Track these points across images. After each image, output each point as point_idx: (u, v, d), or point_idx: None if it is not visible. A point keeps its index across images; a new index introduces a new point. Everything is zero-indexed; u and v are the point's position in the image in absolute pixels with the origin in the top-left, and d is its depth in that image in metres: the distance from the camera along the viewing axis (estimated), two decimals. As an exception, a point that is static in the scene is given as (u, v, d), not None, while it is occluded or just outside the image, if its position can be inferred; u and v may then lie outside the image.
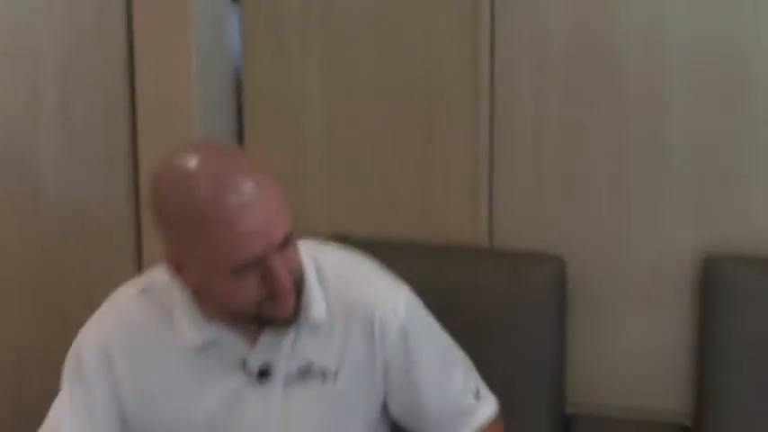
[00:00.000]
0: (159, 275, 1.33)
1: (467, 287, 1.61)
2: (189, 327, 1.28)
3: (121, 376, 1.30)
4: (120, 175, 1.90)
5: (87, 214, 1.81)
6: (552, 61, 1.83)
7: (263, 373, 1.29)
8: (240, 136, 2.03)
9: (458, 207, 1.92)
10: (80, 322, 1.76)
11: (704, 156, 1.78)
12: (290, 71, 1.99)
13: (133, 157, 1.93)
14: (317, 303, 1.30)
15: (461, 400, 1.40)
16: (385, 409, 1.40)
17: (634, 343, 1.85)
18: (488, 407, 1.43)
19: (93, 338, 1.31)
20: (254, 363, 1.29)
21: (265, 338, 1.28)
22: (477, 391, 1.42)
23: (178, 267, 1.21)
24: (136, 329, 1.31)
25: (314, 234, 1.43)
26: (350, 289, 1.34)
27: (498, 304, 1.73)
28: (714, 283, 1.71)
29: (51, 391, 1.73)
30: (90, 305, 1.79)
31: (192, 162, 1.16)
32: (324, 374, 1.31)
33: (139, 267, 1.95)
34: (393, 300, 1.35)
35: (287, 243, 1.18)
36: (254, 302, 1.19)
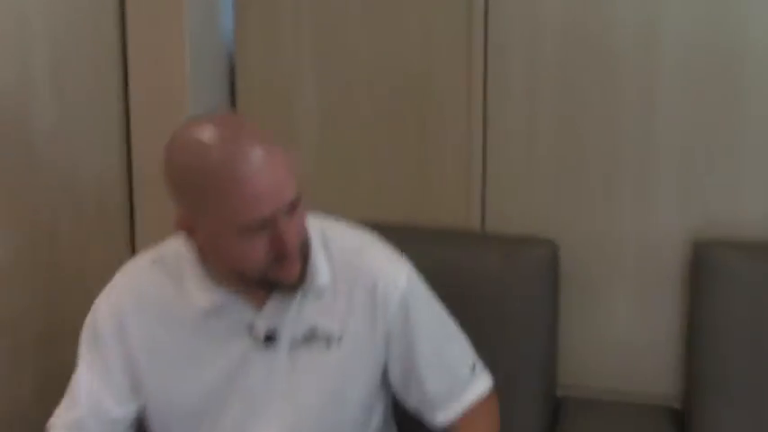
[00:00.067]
0: (169, 247, 1.39)
1: (459, 270, 1.62)
2: (198, 292, 1.33)
3: (134, 342, 1.35)
4: (113, 157, 1.90)
5: (80, 194, 1.81)
6: (545, 44, 1.84)
7: (269, 338, 1.34)
8: (233, 120, 2.03)
9: (450, 192, 1.93)
10: (74, 302, 1.78)
11: (693, 142, 1.80)
12: (284, 56, 1.99)
13: (126, 141, 1.93)
14: (321, 270, 1.35)
15: (458, 374, 1.44)
16: (385, 380, 1.44)
17: (624, 326, 1.87)
18: (484, 382, 1.47)
19: (107, 306, 1.37)
20: (261, 327, 1.34)
21: (272, 304, 1.34)
22: (474, 367, 1.46)
23: (190, 231, 1.27)
24: (147, 296, 1.36)
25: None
26: (354, 259, 1.39)
27: (490, 287, 1.73)
28: (703, 267, 1.73)
29: (48, 375, 1.74)
30: (83, 284, 1.80)
31: (205, 130, 1.22)
32: (328, 340, 1.36)
33: (132, 246, 1.95)
34: (395, 272, 1.41)
35: (294, 208, 1.23)
36: (262, 265, 1.24)
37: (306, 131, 1.99)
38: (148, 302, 1.36)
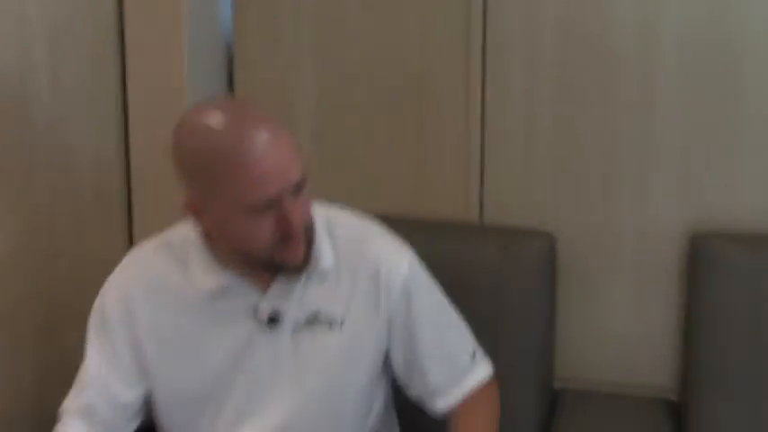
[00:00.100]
0: (175, 233, 1.42)
1: (457, 263, 1.62)
2: (203, 275, 1.36)
3: (140, 325, 1.37)
4: (111, 145, 1.90)
5: (78, 181, 1.81)
6: (544, 39, 1.84)
7: (273, 319, 1.36)
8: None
9: (449, 184, 1.93)
10: (71, 289, 1.78)
11: (691, 136, 1.80)
12: (282, 47, 1.98)
13: (124, 131, 1.92)
14: (325, 254, 1.38)
15: (459, 360, 1.46)
16: (386, 367, 1.47)
17: (622, 319, 1.88)
18: (484, 369, 1.49)
19: (115, 290, 1.40)
20: (265, 309, 1.36)
21: (276, 287, 1.36)
22: (474, 354, 1.48)
23: (197, 213, 1.30)
24: (154, 279, 1.39)
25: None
26: (358, 245, 1.42)
27: (488, 280, 1.74)
28: (700, 259, 1.73)
29: (47, 366, 1.74)
30: (81, 271, 1.81)
31: (212, 115, 1.26)
32: (330, 323, 1.38)
33: (130, 233, 1.95)
34: (398, 259, 1.44)
35: (300, 189, 1.26)
36: (268, 245, 1.26)
37: (304, 123, 1.99)
38: (155, 286, 1.39)
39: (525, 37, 1.85)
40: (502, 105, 1.88)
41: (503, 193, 1.91)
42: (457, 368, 1.46)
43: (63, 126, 1.76)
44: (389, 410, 1.56)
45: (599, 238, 1.86)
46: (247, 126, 1.23)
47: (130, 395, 1.39)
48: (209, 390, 1.38)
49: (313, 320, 1.38)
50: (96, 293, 1.72)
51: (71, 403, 1.39)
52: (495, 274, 1.75)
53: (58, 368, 1.76)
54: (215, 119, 1.25)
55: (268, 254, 1.28)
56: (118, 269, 1.43)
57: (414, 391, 1.47)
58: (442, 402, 1.45)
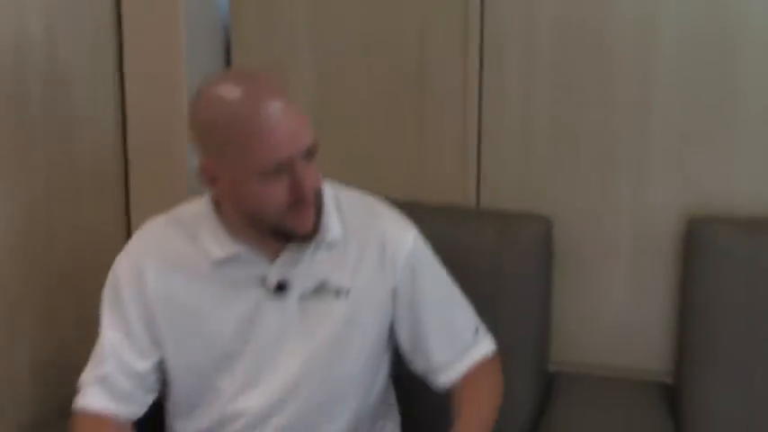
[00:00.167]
0: (185, 209, 1.47)
1: (454, 246, 1.62)
2: (213, 244, 1.40)
3: (152, 295, 1.41)
4: (108, 128, 1.90)
5: (75, 157, 1.80)
6: (542, 28, 1.84)
7: (281, 287, 1.40)
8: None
9: (446, 168, 1.93)
10: (68, 273, 1.78)
11: (688, 120, 1.80)
12: (280, 31, 1.98)
13: (122, 115, 1.92)
14: (333, 226, 1.42)
15: (462, 335, 1.50)
16: (390, 341, 1.51)
17: (617, 302, 1.88)
18: (487, 345, 1.53)
19: (127, 263, 1.44)
20: (273, 277, 1.40)
21: (285, 256, 1.40)
22: (477, 330, 1.52)
23: (212, 179, 1.35)
24: (165, 251, 1.43)
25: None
26: (365, 219, 1.48)
27: (485, 263, 1.74)
28: (696, 243, 1.74)
29: (46, 347, 1.75)
30: (78, 255, 1.81)
31: (229, 83, 1.34)
32: (337, 292, 1.43)
33: (127, 216, 1.95)
34: (403, 234, 1.49)
35: (311, 155, 1.32)
36: (280, 209, 1.31)
37: (301, 107, 1.98)
38: (165, 256, 1.43)
39: (523, 23, 1.84)
40: (499, 91, 1.88)
41: (499, 177, 1.91)
42: (460, 343, 1.50)
43: (60, 102, 1.75)
44: (390, 393, 1.59)
45: (595, 222, 1.87)
46: (261, 97, 1.29)
47: (145, 365, 1.43)
48: (218, 356, 1.42)
49: (320, 289, 1.42)
50: (93, 271, 1.73)
51: (89, 375, 1.43)
52: (491, 257, 1.75)
53: (56, 358, 1.77)
54: (230, 91, 1.31)
55: (279, 219, 1.33)
56: (129, 243, 1.47)
57: (418, 365, 1.50)
58: (446, 376, 1.48)
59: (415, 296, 1.47)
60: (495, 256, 1.75)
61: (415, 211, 1.58)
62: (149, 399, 1.46)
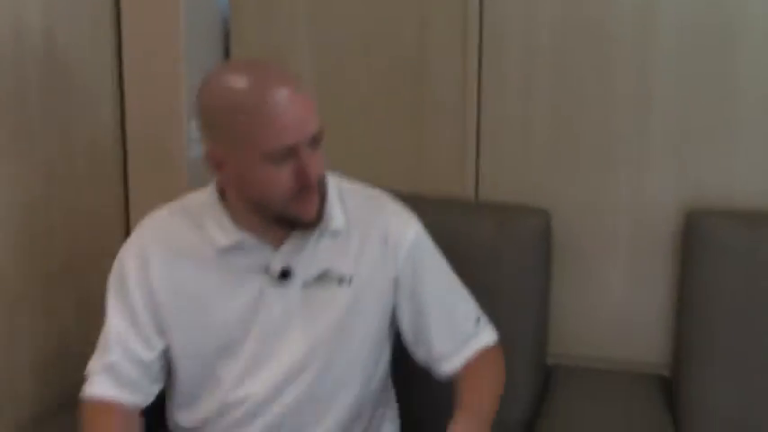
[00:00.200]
0: (190, 199, 1.49)
1: (452, 239, 1.62)
2: (218, 232, 1.42)
3: (157, 282, 1.43)
4: (106, 115, 1.90)
5: (74, 152, 1.80)
6: (541, 21, 1.84)
7: (285, 275, 1.42)
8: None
9: (445, 161, 1.94)
10: (67, 264, 1.78)
11: (688, 113, 1.80)
12: (279, 22, 1.98)
13: (120, 105, 1.92)
14: (336, 216, 1.44)
15: (463, 325, 1.51)
16: (391, 330, 1.53)
17: (616, 296, 1.89)
18: (489, 335, 1.54)
19: (133, 251, 1.45)
20: (277, 265, 1.42)
21: (288, 244, 1.42)
22: (478, 320, 1.53)
23: (219, 165, 1.36)
24: (170, 238, 1.45)
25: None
26: (368, 210, 1.49)
27: (483, 256, 1.75)
28: (695, 237, 1.74)
29: (46, 334, 1.75)
30: (77, 245, 1.81)
31: (237, 70, 1.37)
32: (339, 280, 1.45)
33: (126, 205, 1.95)
34: (405, 225, 1.51)
35: (316, 142, 1.34)
36: (285, 195, 1.33)
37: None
38: (170, 245, 1.44)
39: (522, 18, 1.84)
40: (498, 84, 1.88)
41: (498, 170, 1.91)
42: (462, 333, 1.51)
43: (59, 92, 1.75)
44: (389, 386, 1.60)
45: (594, 215, 1.87)
46: (269, 84, 1.31)
47: (150, 354, 1.43)
48: (222, 342, 1.43)
49: (323, 277, 1.44)
50: (93, 259, 1.74)
51: (96, 364, 1.44)
52: (490, 250, 1.75)
53: (56, 349, 1.77)
54: (238, 77, 1.33)
55: (284, 206, 1.34)
56: (135, 232, 1.48)
57: (420, 355, 1.52)
58: (448, 365, 1.49)
59: (417, 287, 1.49)
60: (493, 249, 1.75)
61: (414, 204, 1.59)
62: (155, 388, 1.47)
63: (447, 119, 1.92)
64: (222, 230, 1.41)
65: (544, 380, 1.83)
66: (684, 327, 1.76)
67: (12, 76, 1.63)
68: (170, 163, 1.90)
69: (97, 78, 1.87)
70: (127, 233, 1.91)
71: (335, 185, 1.48)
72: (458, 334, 1.50)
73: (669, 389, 1.80)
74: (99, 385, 1.42)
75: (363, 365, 1.48)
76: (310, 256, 1.43)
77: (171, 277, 1.43)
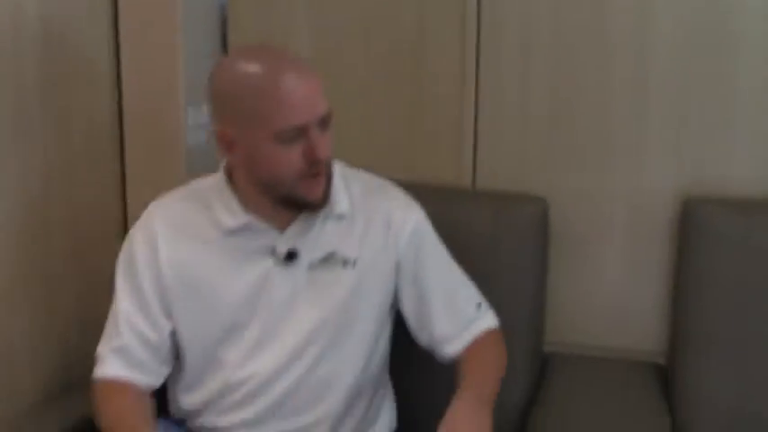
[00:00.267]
0: (198, 183, 1.52)
1: (449, 227, 1.62)
2: (226, 214, 1.45)
3: (165, 266, 1.45)
4: (104, 103, 1.89)
5: (72, 143, 1.80)
6: (539, 7, 1.83)
7: (290, 256, 1.45)
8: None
9: (442, 149, 1.93)
10: (64, 252, 1.78)
11: (685, 100, 1.80)
12: (277, 7, 1.98)
13: (117, 92, 1.91)
14: (341, 200, 1.48)
15: (465, 309, 1.54)
16: (392, 311, 1.56)
17: (613, 283, 1.89)
18: (490, 319, 1.57)
19: (141, 234, 1.48)
20: (283, 246, 1.45)
21: (294, 227, 1.45)
22: (479, 304, 1.55)
23: (229, 146, 1.40)
24: (178, 222, 1.48)
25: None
26: (372, 195, 1.53)
27: (480, 244, 1.75)
28: (691, 224, 1.74)
29: (44, 324, 1.75)
30: (74, 231, 1.81)
31: (249, 54, 1.41)
32: (344, 262, 1.48)
33: (123, 193, 1.95)
34: (408, 210, 1.55)
35: (325, 124, 1.38)
36: (294, 175, 1.37)
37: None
38: (178, 226, 1.47)
39: (521, 5, 1.84)
40: (496, 72, 1.88)
41: (496, 158, 1.91)
42: (464, 317, 1.53)
43: (56, 80, 1.74)
44: (386, 369, 1.62)
45: (591, 204, 1.87)
46: (281, 69, 1.36)
47: (158, 336, 1.46)
48: (228, 323, 1.45)
49: (328, 259, 1.47)
50: (91, 247, 1.73)
51: (105, 346, 1.46)
52: (487, 238, 1.76)
53: (54, 339, 1.77)
54: (252, 64, 1.37)
55: (292, 186, 1.38)
56: (143, 215, 1.50)
57: (424, 339, 1.54)
58: (450, 348, 1.51)
59: (419, 272, 1.52)
60: (491, 236, 1.75)
61: (412, 192, 1.59)
62: (164, 370, 1.49)
63: (445, 106, 1.91)
64: (230, 213, 1.44)
65: (540, 367, 1.83)
66: (680, 314, 1.77)
67: (10, 62, 1.62)
68: (168, 151, 1.89)
69: (94, 66, 1.87)
70: (125, 224, 1.92)
71: (339, 172, 1.50)
72: (459, 318, 1.53)
73: (665, 377, 1.80)
74: (110, 366, 1.44)
75: (365, 346, 1.51)
76: (316, 238, 1.46)
77: (178, 259, 1.45)
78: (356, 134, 1.96)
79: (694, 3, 1.77)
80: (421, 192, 1.66)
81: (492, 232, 1.76)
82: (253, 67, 1.36)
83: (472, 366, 1.47)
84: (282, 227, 1.45)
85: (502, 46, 1.87)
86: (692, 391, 1.71)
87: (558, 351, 1.90)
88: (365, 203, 1.51)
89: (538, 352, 1.84)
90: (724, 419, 1.70)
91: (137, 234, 1.48)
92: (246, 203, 1.44)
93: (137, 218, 1.53)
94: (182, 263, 1.45)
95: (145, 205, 1.53)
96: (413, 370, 1.66)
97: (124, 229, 1.90)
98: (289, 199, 1.41)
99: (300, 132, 1.35)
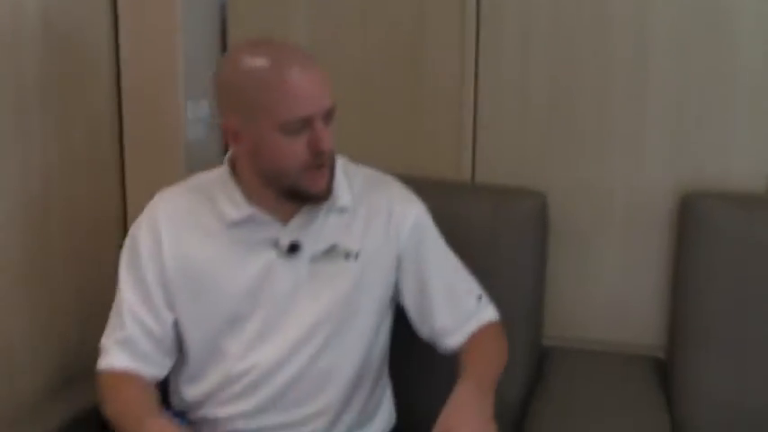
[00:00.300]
0: (202, 176, 1.54)
1: (448, 221, 1.63)
2: (229, 207, 1.46)
3: (168, 258, 1.46)
4: (103, 98, 1.89)
5: (71, 140, 1.80)
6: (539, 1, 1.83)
7: (293, 248, 1.46)
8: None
9: (441, 142, 1.93)
10: (64, 252, 1.78)
11: (684, 95, 1.80)
12: (276, 1, 1.97)
13: (117, 87, 1.91)
14: (343, 194, 1.49)
15: (466, 301, 1.55)
16: (392, 303, 1.57)
17: (612, 278, 1.89)
18: (490, 312, 1.57)
19: (145, 225, 1.49)
20: (285, 239, 1.46)
21: (297, 220, 1.47)
22: (480, 297, 1.56)
23: (235, 136, 1.41)
24: (181, 212, 1.49)
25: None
26: (373, 189, 1.54)
27: (479, 238, 1.75)
28: (690, 218, 1.74)
29: (44, 323, 1.75)
30: (74, 231, 1.81)
31: (257, 47, 1.43)
32: (347, 254, 1.49)
33: (123, 191, 1.95)
34: (409, 204, 1.56)
35: (329, 117, 1.41)
36: (299, 166, 1.38)
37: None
38: (182, 218, 1.48)
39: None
40: (496, 65, 1.88)
41: (495, 152, 1.91)
42: (464, 309, 1.54)
43: (55, 77, 1.74)
44: (386, 362, 1.62)
45: (590, 197, 1.87)
46: (288, 62, 1.37)
47: (162, 328, 1.47)
48: (230, 315, 1.46)
49: (331, 251, 1.48)
50: (90, 242, 1.73)
51: (110, 338, 1.47)
52: (486, 232, 1.76)
53: (51, 335, 1.77)
54: (258, 57, 1.39)
55: (296, 178, 1.39)
56: (147, 207, 1.51)
57: (425, 331, 1.55)
58: (452, 340, 1.52)
59: (420, 265, 1.53)
60: (489, 230, 1.76)
61: (411, 186, 1.60)
62: (168, 362, 1.50)
63: (443, 99, 1.91)
64: (233, 205, 1.45)
65: (539, 361, 1.84)
66: (679, 309, 1.77)
67: (10, 62, 1.62)
68: (167, 146, 1.89)
69: (93, 61, 1.86)
70: (125, 222, 1.92)
71: (342, 166, 1.52)
72: (460, 310, 1.54)
73: (664, 370, 1.81)
74: (115, 357, 1.45)
75: (366, 338, 1.52)
76: (318, 231, 1.47)
77: (181, 252, 1.46)
78: (355, 127, 1.95)
79: (692, 2, 1.76)
80: (420, 186, 1.66)
81: (491, 226, 1.76)
82: (259, 59, 1.38)
83: (473, 358, 1.48)
84: (285, 219, 1.46)
85: (501, 40, 1.86)
86: (692, 384, 1.72)
87: (557, 345, 1.90)
88: (367, 197, 1.52)
89: (537, 346, 1.84)
90: (723, 413, 1.70)
91: (140, 226, 1.49)
92: (250, 196, 1.45)
93: (137, 215, 1.53)
94: (185, 255, 1.46)
95: (145, 201, 1.53)
96: (413, 364, 1.67)
97: (124, 227, 1.90)
98: (292, 191, 1.42)
99: (305, 124, 1.37)
